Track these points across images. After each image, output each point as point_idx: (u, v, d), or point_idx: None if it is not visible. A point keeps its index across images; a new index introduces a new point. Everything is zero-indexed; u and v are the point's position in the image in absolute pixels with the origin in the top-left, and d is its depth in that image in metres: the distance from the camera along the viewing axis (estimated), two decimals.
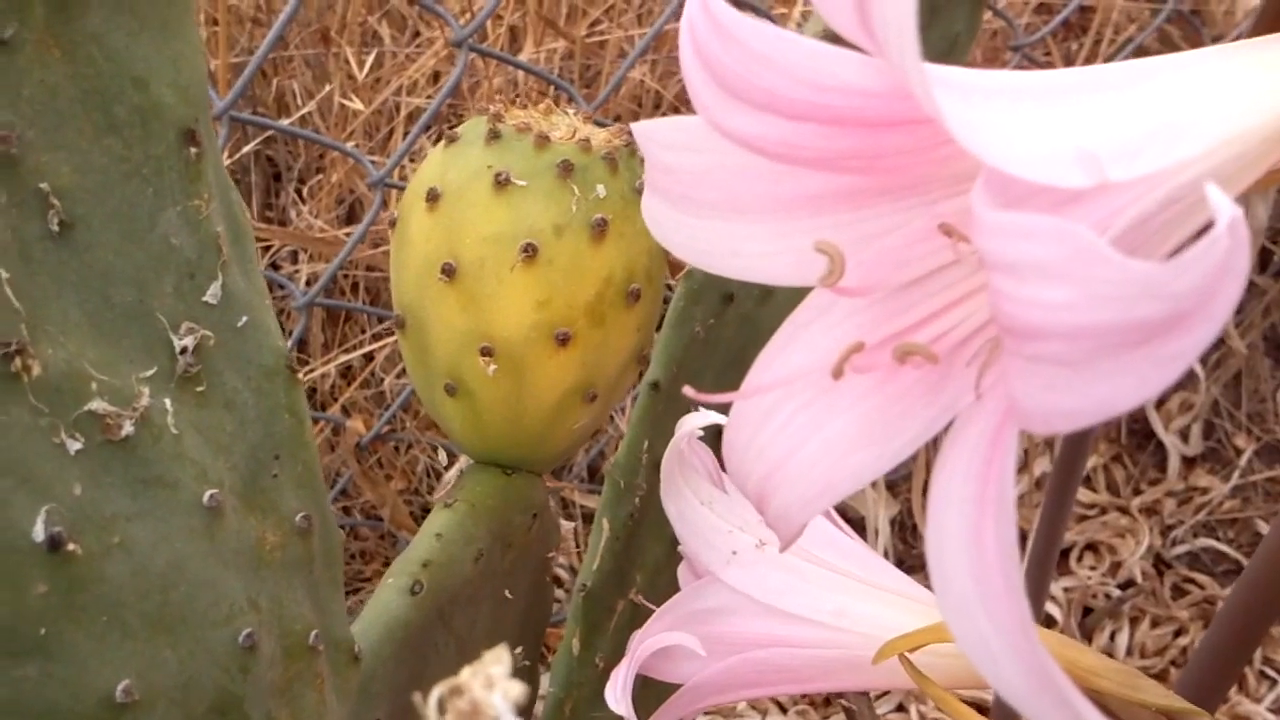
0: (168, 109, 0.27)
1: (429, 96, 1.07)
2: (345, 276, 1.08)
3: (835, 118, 0.25)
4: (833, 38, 0.54)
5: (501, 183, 0.39)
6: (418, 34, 1.13)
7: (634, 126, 0.29)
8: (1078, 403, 0.19)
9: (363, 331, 1.08)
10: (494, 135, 0.39)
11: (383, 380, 1.06)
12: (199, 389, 0.29)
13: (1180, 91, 0.24)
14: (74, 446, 0.26)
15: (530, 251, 0.38)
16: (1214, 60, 0.25)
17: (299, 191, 1.10)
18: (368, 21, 1.10)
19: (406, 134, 1.06)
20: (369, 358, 1.07)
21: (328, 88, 1.01)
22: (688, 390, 0.29)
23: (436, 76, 1.11)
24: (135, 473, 0.27)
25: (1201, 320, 0.17)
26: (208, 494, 0.28)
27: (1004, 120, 0.22)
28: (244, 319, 0.29)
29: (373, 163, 0.90)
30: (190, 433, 0.28)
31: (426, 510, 1.10)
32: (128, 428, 0.27)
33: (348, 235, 1.02)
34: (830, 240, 0.27)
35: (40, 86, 0.25)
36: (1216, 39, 1.21)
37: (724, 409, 0.39)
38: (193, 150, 0.28)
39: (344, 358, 1.04)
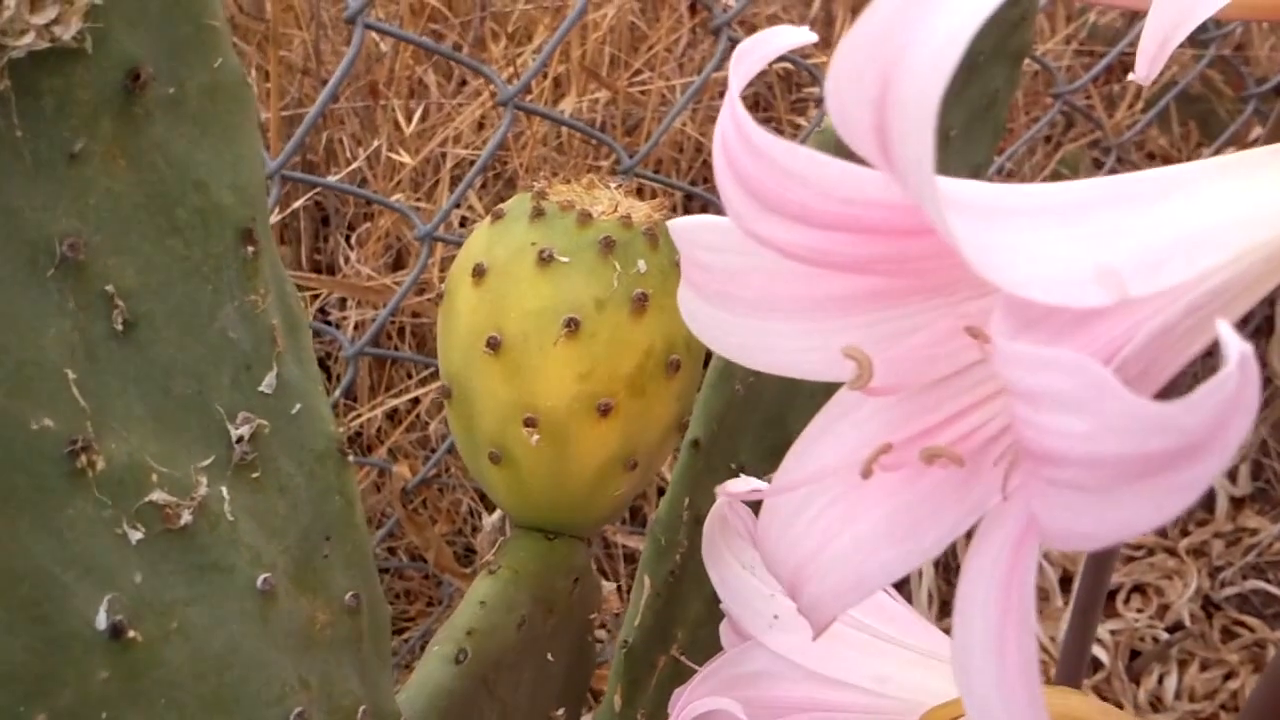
0: (227, 210, 0.29)
1: (474, 147, 1.09)
2: (392, 322, 1.10)
3: (863, 227, 0.26)
4: None
5: (545, 259, 0.40)
6: (464, 83, 1.15)
7: (670, 225, 0.30)
8: (1094, 526, 0.20)
9: (409, 376, 1.10)
10: (538, 213, 0.41)
11: (428, 425, 1.08)
12: (254, 475, 0.30)
13: (1203, 201, 0.25)
14: (135, 536, 0.27)
15: (573, 326, 0.40)
16: (1234, 168, 0.25)
17: (347, 239, 1.12)
18: (414, 72, 1.12)
19: (452, 182, 1.08)
20: (415, 402, 1.08)
21: (376, 143, 1.03)
22: (721, 490, 0.29)
23: (481, 125, 1.13)
24: (193, 559, 0.28)
25: (1212, 452, 0.18)
26: (261, 577, 0.29)
27: (1021, 242, 0.23)
28: (298, 406, 0.31)
29: (418, 210, 0.92)
30: (245, 518, 0.29)
31: (470, 551, 1.11)
32: (186, 517, 0.28)
33: (395, 283, 1.04)
34: (859, 342, 0.27)
35: (106, 194, 0.27)
36: (1260, 81, 1.20)
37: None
38: (250, 248, 0.29)
39: (391, 402, 1.05)
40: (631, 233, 0.41)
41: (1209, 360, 0.19)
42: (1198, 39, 1.14)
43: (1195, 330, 0.25)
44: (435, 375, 1.08)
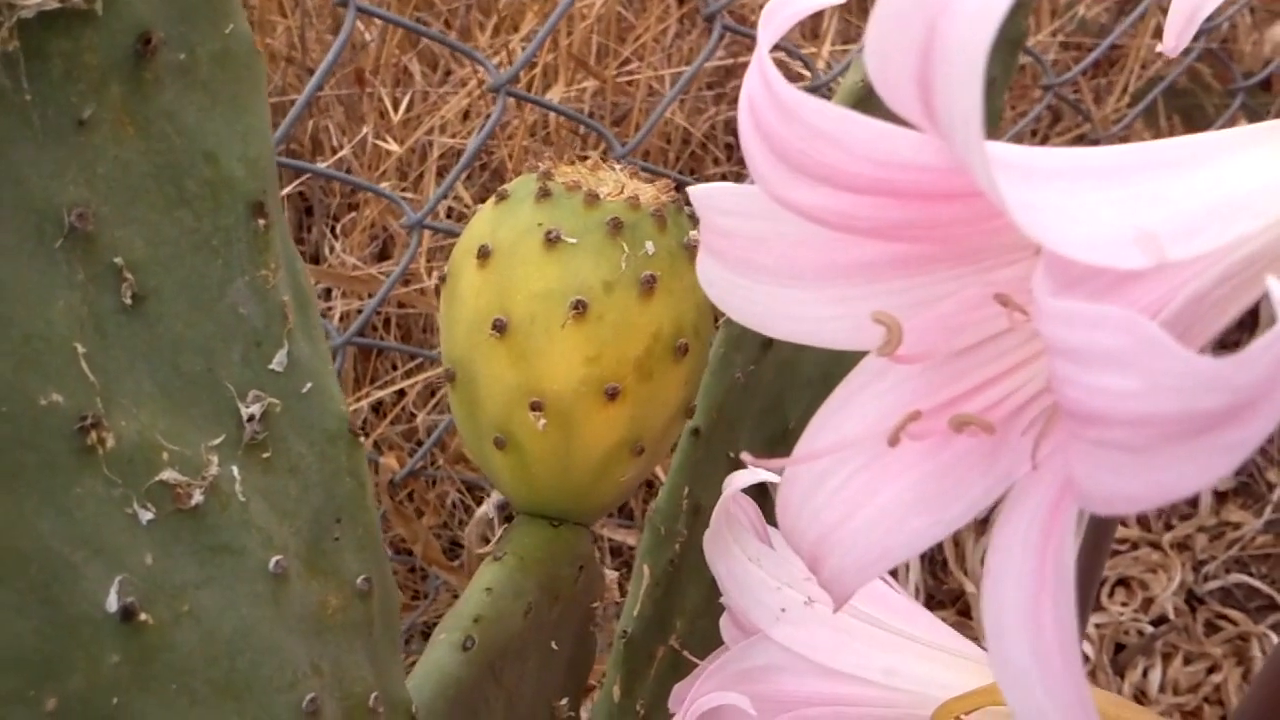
0: (238, 182, 0.28)
1: (460, 135, 1.08)
2: (377, 313, 1.09)
3: (893, 191, 0.25)
4: (871, 89, 0.54)
5: (552, 240, 0.39)
6: (449, 72, 1.14)
7: (690, 191, 0.30)
8: (1140, 488, 0.19)
9: (394, 368, 1.09)
10: (544, 193, 0.40)
11: (414, 417, 1.07)
12: (265, 455, 0.29)
13: (1238, 167, 0.24)
14: (145, 517, 0.26)
15: (580, 308, 0.39)
16: (1270, 135, 0.25)
17: (332, 229, 1.11)
18: (400, 60, 1.11)
19: (438, 172, 1.07)
20: (400, 394, 1.08)
21: (364, 130, 1.02)
22: (745, 456, 0.29)
23: (466, 114, 1.12)
24: (204, 540, 0.27)
25: (1263, 412, 0.18)
26: (273, 560, 0.29)
27: (1064, 203, 0.22)
28: (308, 385, 0.30)
29: (405, 200, 0.91)
30: (256, 499, 0.29)
31: (456, 544, 1.10)
32: (197, 496, 0.27)
33: (381, 273, 1.03)
34: (886, 308, 0.27)
35: (115, 163, 0.26)
36: (1247, 75, 1.21)
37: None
38: (261, 222, 0.28)
39: (377, 394, 1.04)
40: (639, 214, 0.40)
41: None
42: None
43: (1227, 298, 0.24)
44: (421, 367, 1.07)
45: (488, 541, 1.01)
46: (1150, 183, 0.23)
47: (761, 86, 0.25)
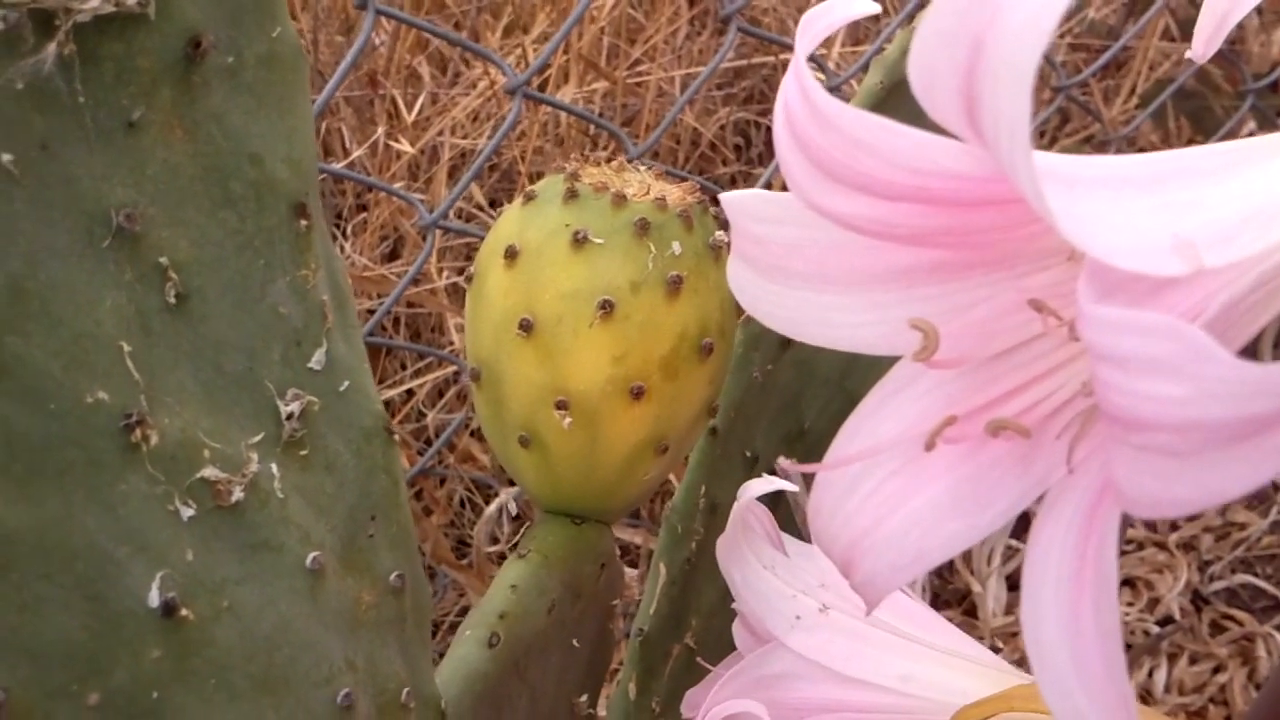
0: (281, 183, 0.28)
1: (470, 137, 1.09)
2: (386, 313, 1.09)
3: (930, 198, 0.25)
4: (890, 90, 0.54)
5: (579, 241, 0.39)
6: (459, 74, 1.15)
7: (723, 197, 0.30)
8: (1184, 491, 0.20)
9: (403, 367, 1.09)
10: (571, 194, 0.40)
11: (424, 415, 1.07)
12: (303, 453, 0.29)
13: (1271, 175, 0.25)
14: (187, 513, 0.27)
15: (607, 308, 0.39)
16: None
17: (341, 229, 1.11)
18: (410, 63, 1.12)
19: (449, 173, 1.08)
20: (410, 393, 1.08)
21: (379, 131, 1.03)
22: (780, 463, 0.29)
23: (476, 116, 1.13)
24: (243, 537, 0.28)
25: None
26: (311, 556, 0.29)
27: (1106, 211, 0.23)
28: (346, 383, 0.30)
29: (420, 201, 0.91)
30: (294, 496, 0.29)
31: (464, 543, 1.11)
32: (237, 493, 0.28)
33: (391, 273, 1.03)
34: (921, 314, 0.27)
35: (163, 165, 0.26)
36: (1256, 77, 1.21)
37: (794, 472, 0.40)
38: (303, 223, 0.29)
39: (387, 393, 1.05)
40: (666, 215, 0.40)
41: None
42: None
43: (1260, 305, 0.25)
44: (430, 366, 1.08)
45: (496, 540, 1.01)
46: (1187, 190, 0.24)
47: (799, 95, 0.26)
